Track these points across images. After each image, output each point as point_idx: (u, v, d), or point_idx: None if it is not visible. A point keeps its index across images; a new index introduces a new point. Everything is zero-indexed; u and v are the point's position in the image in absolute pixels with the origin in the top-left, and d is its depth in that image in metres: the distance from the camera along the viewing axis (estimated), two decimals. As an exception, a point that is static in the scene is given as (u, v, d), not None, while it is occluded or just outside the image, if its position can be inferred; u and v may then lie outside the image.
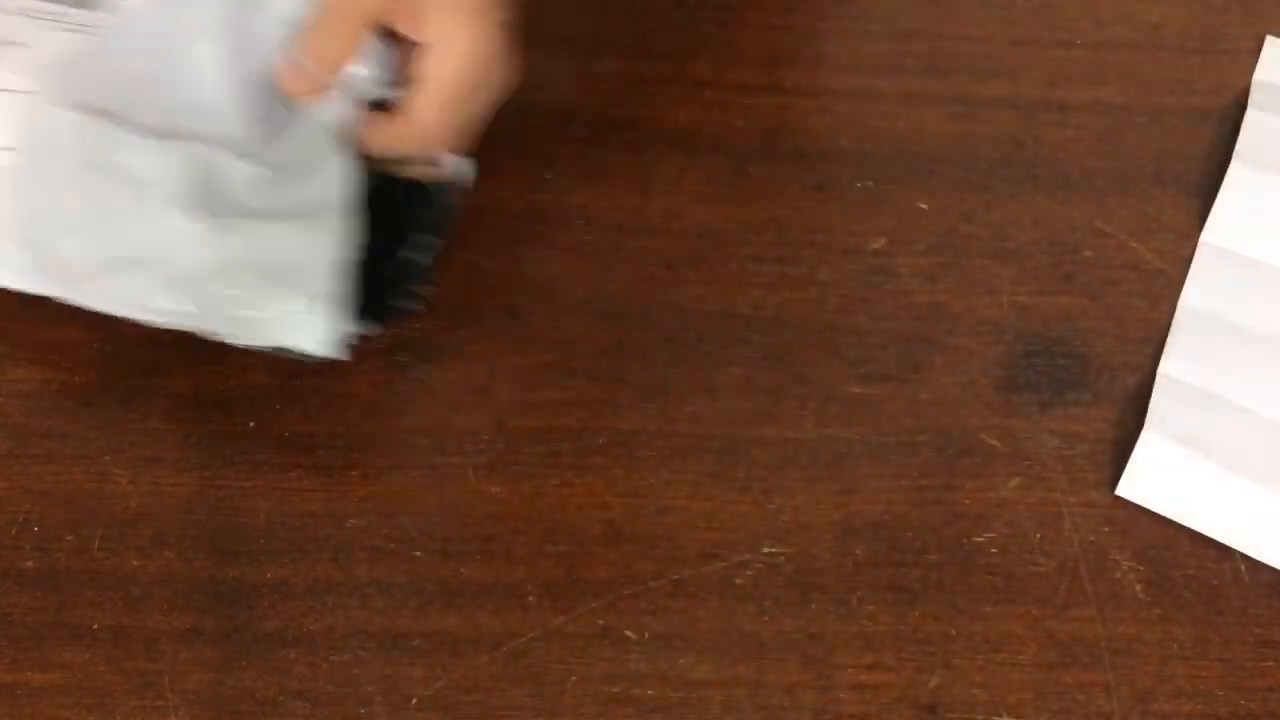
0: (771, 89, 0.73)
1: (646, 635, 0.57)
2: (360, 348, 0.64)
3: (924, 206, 0.70)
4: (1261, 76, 0.76)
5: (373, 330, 0.63)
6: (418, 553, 0.59)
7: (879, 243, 0.69)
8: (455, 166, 0.63)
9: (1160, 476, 0.61)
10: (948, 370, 0.65)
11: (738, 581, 0.58)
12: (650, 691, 0.56)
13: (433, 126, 0.61)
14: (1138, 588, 0.59)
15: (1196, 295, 0.67)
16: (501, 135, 0.72)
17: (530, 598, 0.58)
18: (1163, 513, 0.61)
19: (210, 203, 0.61)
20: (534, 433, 0.62)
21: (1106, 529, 0.60)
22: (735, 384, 0.64)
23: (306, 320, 0.60)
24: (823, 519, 0.60)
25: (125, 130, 0.60)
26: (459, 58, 0.60)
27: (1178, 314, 0.67)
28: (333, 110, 0.60)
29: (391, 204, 0.63)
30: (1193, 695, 0.56)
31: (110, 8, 0.58)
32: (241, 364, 0.64)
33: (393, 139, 0.61)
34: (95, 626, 0.56)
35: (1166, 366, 0.64)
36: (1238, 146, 0.72)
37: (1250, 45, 0.78)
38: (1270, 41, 0.78)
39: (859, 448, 0.62)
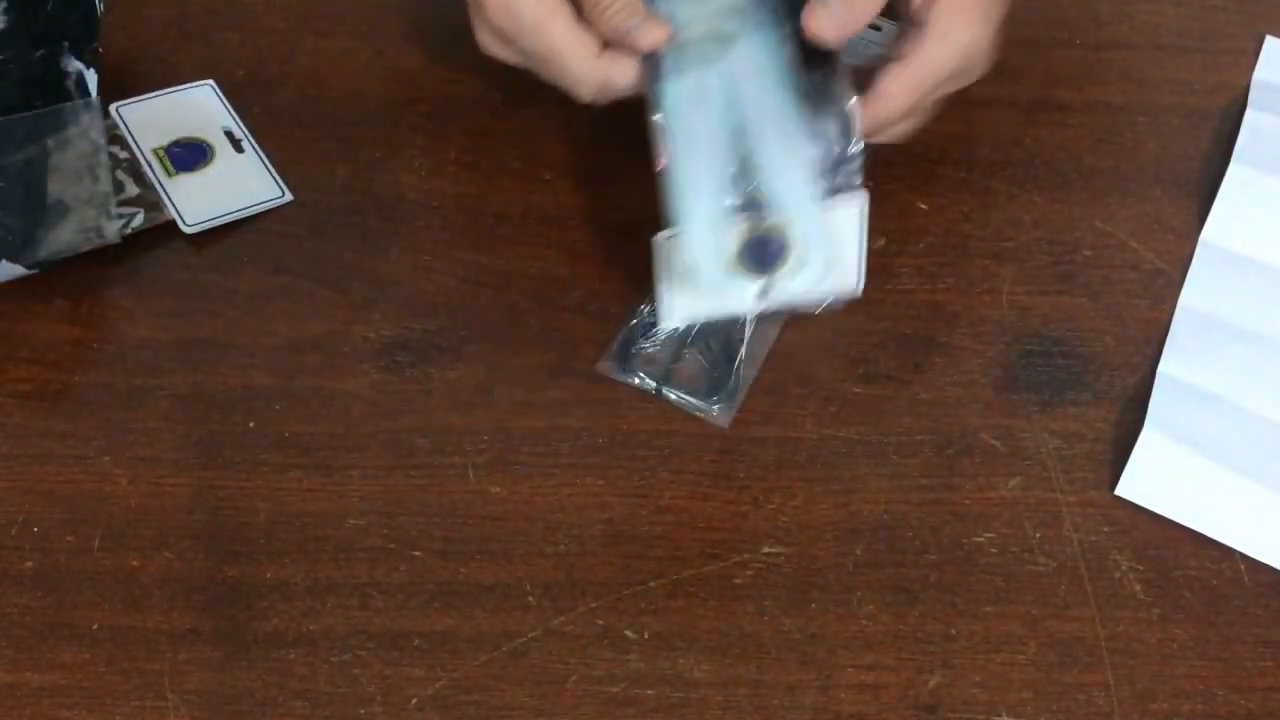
0: (771, 89, 0.73)
1: (646, 635, 0.57)
2: (359, 348, 0.64)
3: (924, 206, 0.70)
4: (1261, 76, 0.76)
5: None
6: (418, 553, 0.59)
7: (879, 243, 0.69)
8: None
9: (1160, 476, 0.61)
10: (948, 370, 0.65)
11: (738, 581, 0.58)
12: (650, 691, 0.56)
13: (902, 105, 0.62)
14: (1138, 588, 0.59)
15: (1196, 295, 0.67)
16: (501, 135, 0.72)
17: (530, 598, 0.58)
18: (1163, 512, 0.61)
19: None
20: (534, 433, 0.62)
21: (1106, 529, 0.60)
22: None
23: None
24: (823, 519, 0.60)
25: None
26: (956, 47, 0.62)
27: (1177, 314, 0.67)
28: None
29: None
30: (1193, 695, 0.56)
31: None
32: (241, 364, 0.64)
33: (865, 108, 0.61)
34: (95, 626, 0.56)
35: (1166, 366, 0.64)
36: (1237, 146, 0.72)
37: (1250, 45, 0.78)
38: (1270, 41, 0.78)
39: (859, 448, 0.62)
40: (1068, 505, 0.61)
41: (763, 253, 0.59)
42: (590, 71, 0.62)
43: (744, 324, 0.64)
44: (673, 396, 0.63)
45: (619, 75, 0.62)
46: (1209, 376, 0.64)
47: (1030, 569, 0.59)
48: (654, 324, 0.64)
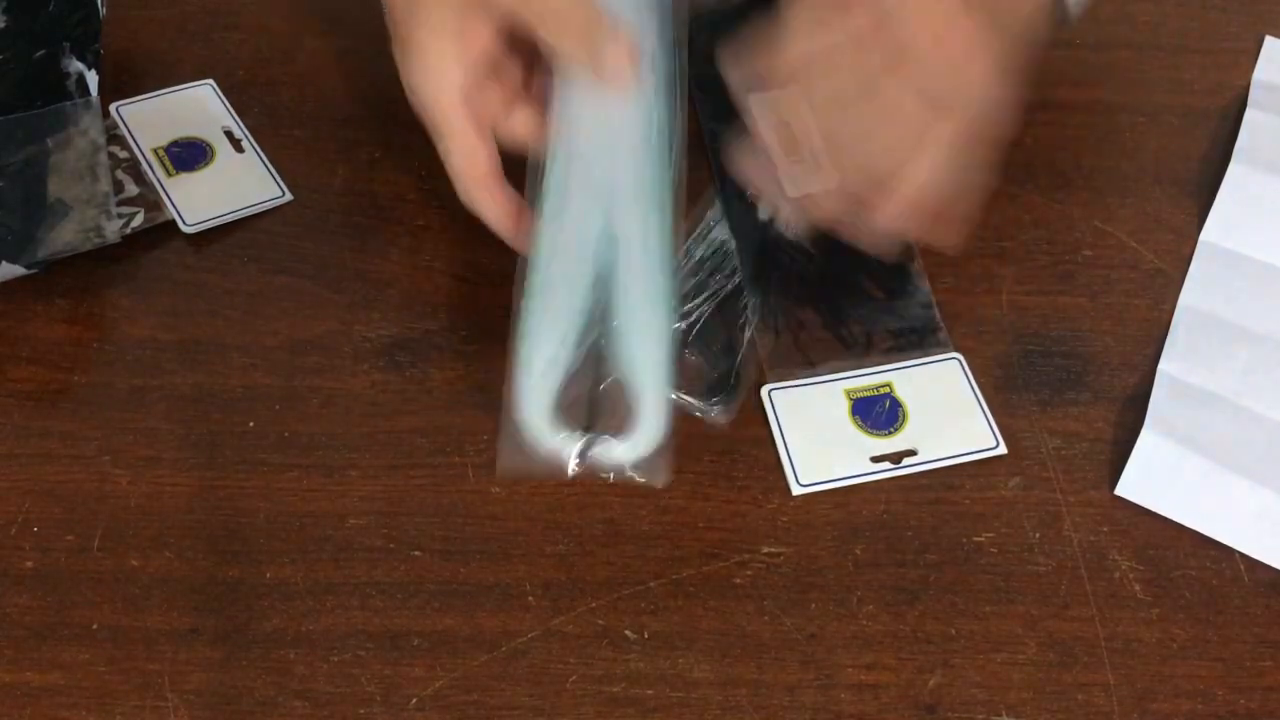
0: (771, 89, 0.73)
1: (646, 635, 0.57)
2: (360, 348, 0.64)
3: (924, 206, 0.70)
4: (1261, 76, 0.76)
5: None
6: (418, 553, 0.59)
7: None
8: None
9: (1160, 476, 0.61)
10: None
11: (738, 581, 0.58)
12: (650, 691, 0.56)
13: (900, 227, 0.59)
14: (1137, 587, 0.59)
15: (1196, 294, 0.67)
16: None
17: (530, 598, 0.58)
18: (1162, 512, 0.61)
19: None
20: (534, 433, 0.62)
21: (1106, 529, 0.60)
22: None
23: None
24: (823, 519, 0.60)
25: None
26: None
27: (1177, 313, 0.67)
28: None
29: None
30: (1192, 695, 0.56)
31: None
32: (241, 364, 0.64)
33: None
34: (95, 626, 0.56)
35: (1166, 366, 0.64)
36: (1237, 146, 0.72)
37: (1250, 45, 0.78)
38: (1270, 41, 0.78)
39: (859, 448, 0.62)
40: (1068, 505, 0.61)
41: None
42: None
43: (744, 324, 0.64)
44: (673, 396, 0.63)
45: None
46: (1208, 376, 0.64)
47: (1030, 569, 0.59)
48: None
